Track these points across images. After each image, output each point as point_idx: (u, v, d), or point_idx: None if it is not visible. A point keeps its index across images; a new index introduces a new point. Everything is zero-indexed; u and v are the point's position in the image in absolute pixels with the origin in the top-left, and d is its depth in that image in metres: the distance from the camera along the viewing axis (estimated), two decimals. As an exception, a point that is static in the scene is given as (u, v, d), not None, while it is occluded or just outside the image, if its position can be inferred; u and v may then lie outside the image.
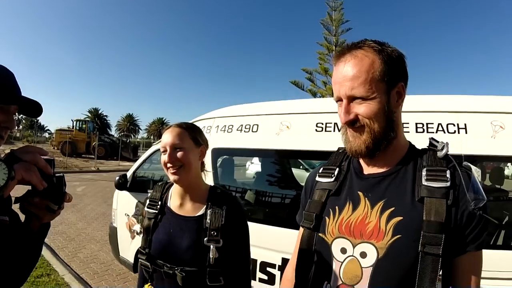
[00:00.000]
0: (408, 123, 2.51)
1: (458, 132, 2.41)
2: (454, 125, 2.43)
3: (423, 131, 2.47)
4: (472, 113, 2.45)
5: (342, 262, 1.10)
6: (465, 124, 2.42)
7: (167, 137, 1.58)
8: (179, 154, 1.55)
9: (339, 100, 1.12)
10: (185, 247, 1.52)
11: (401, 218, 1.03)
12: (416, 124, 2.51)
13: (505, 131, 2.32)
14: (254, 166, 5.47)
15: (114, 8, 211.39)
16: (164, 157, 1.56)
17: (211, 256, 1.48)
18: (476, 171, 1.06)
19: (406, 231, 1.01)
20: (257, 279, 2.81)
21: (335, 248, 1.13)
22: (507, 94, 2.56)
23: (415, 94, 2.77)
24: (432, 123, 2.48)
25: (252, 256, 2.74)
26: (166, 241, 1.57)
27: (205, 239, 1.51)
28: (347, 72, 1.07)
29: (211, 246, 1.49)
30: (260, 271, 2.80)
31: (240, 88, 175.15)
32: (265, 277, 2.77)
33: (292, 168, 4.81)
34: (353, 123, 1.09)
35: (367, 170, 1.18)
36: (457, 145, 2.35)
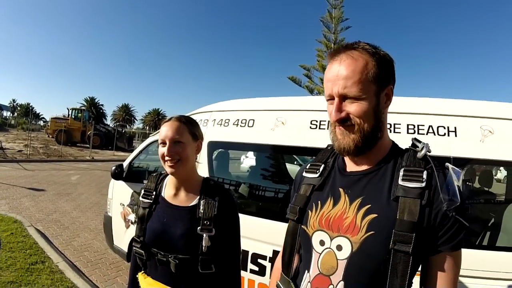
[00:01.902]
0: (399, 124, 2.58)
1: (448, 135, 2.47)
2: (444, 128, 2.49)
3: (414, 133, 2.53)
4: (463, 117, 2.51)
5: (320, 254, 1.16)
6: (455, 127, 2.48)
7: (167, 131, 1.61)
8: (178, 148, 1.60)
9: (330, 98, 1.16)
10: (179, 235, 1.58)
11: (376, 215, 1.07)
12: (408, 125, 2.57)
13: (493, 136, 2.38)
14: (248, 160, 5.51)
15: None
16: (163, 150, 1.60)
17: (203, 245, 1.54)
18: (454, 172, 1.07)
19: (379, 228, 1.05)
20: (248, 270, 2.87)
21: (315, 240, 1.19)
22: (498, 100, 2.61)
23: (409, 94, 2.83)
24: (423, 125, 2.54)
25: (244, 247, 2.84)
26: (160, 229, 1.62)
27: (198, 228, 1.57)
28: (341, 71, 1.11)
29: (204, 235, 1.55)
30: (251, 262, 2.86)
31: (238, 83, 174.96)
32: (256, 268, 2.84)
33: (287, 164, 4.86)
34: (344, 121, 1.13)
35: (350, 167, 1.23)
36: (447, 148, 2.41)
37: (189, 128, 1.66)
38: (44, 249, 5.54)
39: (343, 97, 1.12)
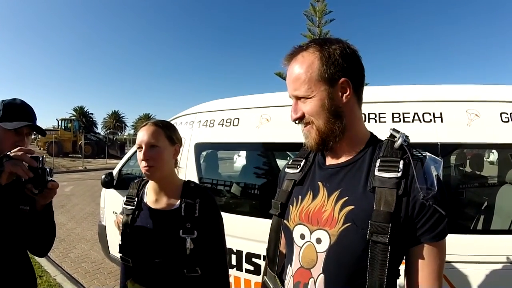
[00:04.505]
0: (384, 113, 2.57)
1: (434, 121, 2.46)
2: (430, 114, 2.48)
3: (400, 121, 2.52)
4: (448, 102, 2.50)
5: (301, 247, 1.18)
6: (440, 113, 2.47)
7: (143, 135, 1.63)
8: (153, 152, 1.61)
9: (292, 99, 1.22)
10: (162, 240, 1.59)
11: (353, 207, 1.08)
12: (393, 114, 2.55)
13: (480, 119, 2.38)
14: (240, 159, 5.49)
15: (95, 5, 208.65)
16: (140, 155, 1.61)
17: (187, 247, 1.56)
18: (433, 161, 1.07)
19: (356, 220, 1.06)
20: (243, 270, 2.86)
21: (296, 234, 1.21)
22: (483, 83, 2.61)
23: (390, 83, 2.83)
24: (409, 113, 2.53)
25: (238, 247, 2.84)
26: (144, 235, 1.63)
27: (181, 231, 1.58)
28: (291, 74, 1.18)
29: (187, 238, 1.57)
30: (246, 262, 2.85)
31: (225, 83, 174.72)
32: (251, 268, 2.83)
33: (279, 160, 4.84)
34: (302, 120, 1.19)
35: (329, 161, 1.24)
36: (433, 134, 2.41)
37: (165, 132, 1.67)
38: (41, 263, 5.51)
39: (298, 98, 1.17)
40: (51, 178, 1.49)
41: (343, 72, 1.12)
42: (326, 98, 1.12)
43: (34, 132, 1.82)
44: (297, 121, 1.21)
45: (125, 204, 1.75)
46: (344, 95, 1.14)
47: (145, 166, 1.60)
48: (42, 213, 1.58)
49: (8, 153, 1.37)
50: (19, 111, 1.69)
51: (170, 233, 1.59)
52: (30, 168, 1.37)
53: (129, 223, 1.68)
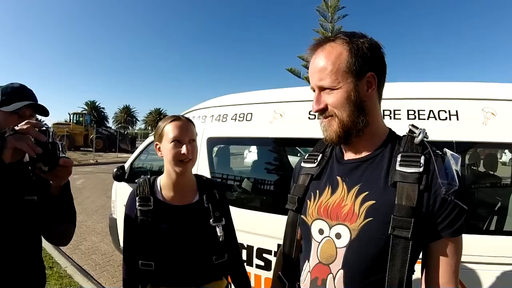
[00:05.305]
0: (399, 110, 2.53)
1: (450, 119, 2.41)
2: (445, 112, 2.44)
3: (415, 118, 2.48)
4: (464, 100, 2.45)
5: (320, 242, 1.17)
6: (456, 111, 2.42)
7: (182, 130, 1.59)
8: (192, 147, 1.60)
9: (313, 91, 1.19)
10: (194, 232, 1.60)
11: (374, 202, 1.07)
12: (408, 111, 2.52)
13: (496, 118, 2.32)
14: (251, 154, 5.49)
15: (104, 1, 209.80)
16: (180, 150, 1.56)
17: (219, 234, 1.60)
18: (452, 157, 1.07)
19: (377, 214, 1.05)
20: (254, 265, 2.86)
21: (314, 229, 1.20)
22: (499, 81, 2.56)
23: (409, 80, 2.79)
24: (424, 110, 2.49)
25: (249, 243, 2.86)
26: (171, 233, 1.58)
27: (211, 220, 1.62)
28: (317, 64, 1.15)
29: (218, 226, 1.61)
30: (256, 257, 2.85)
31: (236, 78, 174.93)
32: (262, 263, 2.83)
33: (290, 156, 4.84)
34: (324, 112, 1.16)
35: (347, 156, 1.23)
36: (449, 132, 2.37)
37: (195, 127, 1.69)
38: (52, 254, 5.58)
39: (321, 89, 1.15)
40: (63, 154, 1.28)
41: (370, 66, 1.12)
42: (352, 91, 1.11)
43: (46, 125, 1.74)
44: (318, 113, 1.20)
45: (140, 205, 1.63)
46: (370, 89, 1.14)
47: (185, 161, 1.57)
48: (59, 198, 1.41)
49: (13, 126, 1.22)
50: (18, 93, 1.63)
51: (201, 224, 1.62)
52: (38, 143, 1.20)
53: (148, 224, 1.60)
